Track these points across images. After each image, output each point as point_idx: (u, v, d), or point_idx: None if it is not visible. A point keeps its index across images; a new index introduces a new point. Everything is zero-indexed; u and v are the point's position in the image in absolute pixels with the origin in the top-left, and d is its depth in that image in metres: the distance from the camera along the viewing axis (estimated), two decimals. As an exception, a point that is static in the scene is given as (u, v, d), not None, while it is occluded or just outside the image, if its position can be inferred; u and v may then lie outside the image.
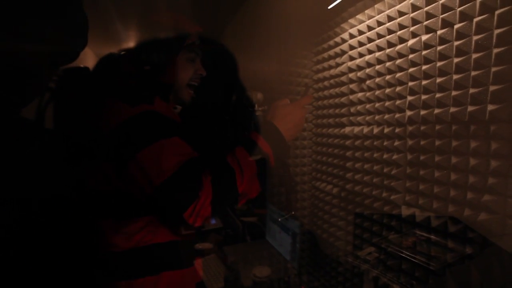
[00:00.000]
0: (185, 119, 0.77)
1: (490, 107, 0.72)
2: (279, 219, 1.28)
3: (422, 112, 0.92)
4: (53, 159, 0.78)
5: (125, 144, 0.63)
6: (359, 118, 1.22)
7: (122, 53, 0.79)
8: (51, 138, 0.83)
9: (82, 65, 0.93)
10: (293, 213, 1.21)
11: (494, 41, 0.71)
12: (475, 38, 0.75)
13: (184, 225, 0.70)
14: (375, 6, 1.10)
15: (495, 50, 0.71)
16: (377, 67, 1.11)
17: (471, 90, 0.77)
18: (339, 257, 1.35)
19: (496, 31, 0.71)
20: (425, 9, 0.89)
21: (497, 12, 0.70)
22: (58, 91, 0.87)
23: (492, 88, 0.72)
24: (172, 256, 0.72)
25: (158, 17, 0.77)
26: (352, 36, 1.24)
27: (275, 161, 0.72)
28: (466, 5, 0.77)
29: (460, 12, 0.78)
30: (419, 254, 0.69)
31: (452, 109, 0.82)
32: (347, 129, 1.29)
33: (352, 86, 1.26)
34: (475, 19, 0.75)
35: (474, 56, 0.76)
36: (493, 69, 0.71)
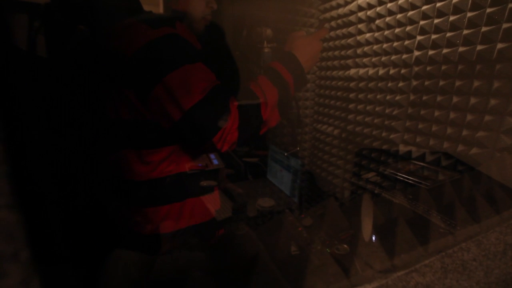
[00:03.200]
0: (203, 48, 0.76)
1: (500, 46, 0.74)
2: (285, 154, 1.36)
3: (430, 52, 0.93)
4: (60, 87, 0.78)
5: (151, 68, 0.61)
6: (365, 60, 1.22)
7: None
8: (46, 64, 0.81)
9: None
10: (298, 148, 1.28)
11: (516, -26, 0.69)
12: (496, -29, 0.73)
13: (211, 150, 0.73)
14: None
15: (515, -15, 0.70)
16: (389, 5, 1.08)
17: (483, 29, 0.77)
18: (336, 193, 1.48)
19: (520, -36, 0.69)
20: None
21: None
22: (49, 20, 0.83)
23: (505, 25, 0.72)
24: (195, 185, 0.79)
25: None
26: (365, -31, 1.17)
27: (294, 90, 0.74)
28: None
29: None
30: (414, 177, 0.78)
31: (461, 49, 0.83)
32: (352, 71, 1.29)
33: (360, 26, 1.23)
34: (500, -50, 0.72)
35: (493, -9, 0.75)
36: (511, 5, 0.71)
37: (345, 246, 0.74)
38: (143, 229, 0.78)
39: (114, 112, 0.68)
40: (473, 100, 0.82)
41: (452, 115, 0.88)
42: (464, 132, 0.85)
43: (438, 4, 0.89)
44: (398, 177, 0.79)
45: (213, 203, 0.91)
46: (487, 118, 0.79)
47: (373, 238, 0.63)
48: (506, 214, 0.50)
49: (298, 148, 1.29)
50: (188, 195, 0.79)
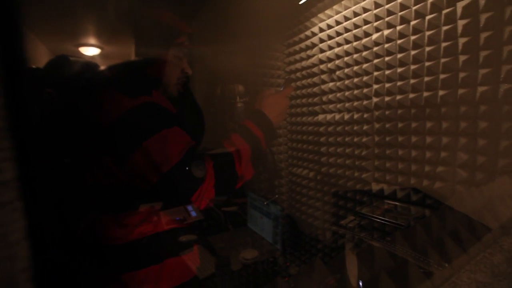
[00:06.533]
0: (177, 111, 0.80)
1: (441, 92, 0.85)
2: (265, 203, 1.36)
3: (386, 99, 1.04)
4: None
5: (130, 135, 0.64)
6: (331, 106, 1.33)
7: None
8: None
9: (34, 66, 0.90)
10: (276, 196, 1.29)
11: (442, 36, 0.84)
12: (427, 33, 0.88)
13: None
14: (342, 2, 1.19)
15: (443, 44, 0.83)
16: (346, 58, 1.22)
17: (426, 78, 0.89)
18: (318, 235, 1.48)
19: (444, 28, 0.83)
20: (386, 6, 1.00)
21: (444, 11, 0.83)
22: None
23: (442, 76, 0.84)
24: (173, 243, 0.76)
25: (152, 13, 0.78)
26: (321, 30, 1.33)
27: (265, 145, 0.79)
28: (420, 5, 0.89)
29: (415, 10, 0.90)
30: (389, 217, 0.82)
31: (411, 95, 0.94)
32: (320, 117, 1.39)
33: (323, 76, 1.36)
34: (427, 17, 0.87)
35: (427, 49, 0.88)
36: (442, 60, 0.84)
37: (333, 293, 0.73)
38: None
39: (90, 177, 0.67)
40: (428, 139, 0.91)
41: (413, 153, 0.97)
42: (427, 168, 0.92)
43: (387, 58, 1.02)
44: (375, 219, 0.82)
45: (193, 260, 0.87)
46: (443, 154, 0.87)
47: (360, 284, 0.63)
48: (472, 251, 0.54)
49: (277, 196, 1.31)
50: (166, 255, 0.76)
